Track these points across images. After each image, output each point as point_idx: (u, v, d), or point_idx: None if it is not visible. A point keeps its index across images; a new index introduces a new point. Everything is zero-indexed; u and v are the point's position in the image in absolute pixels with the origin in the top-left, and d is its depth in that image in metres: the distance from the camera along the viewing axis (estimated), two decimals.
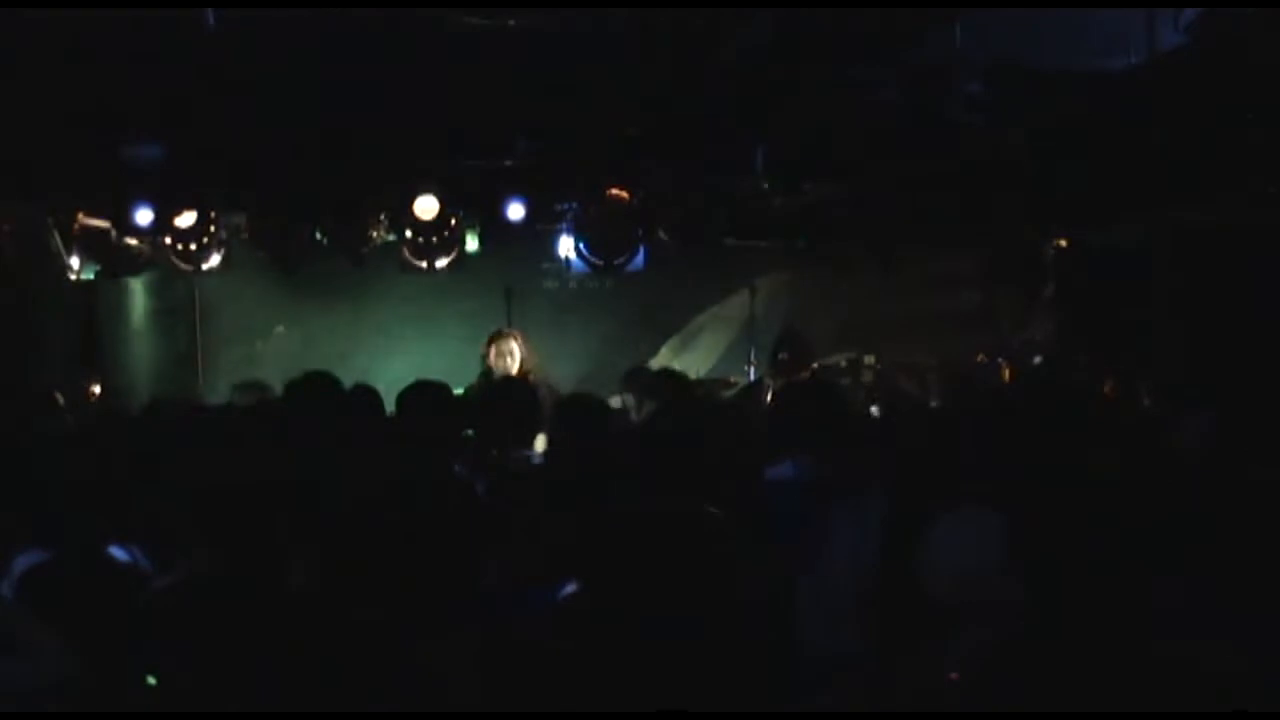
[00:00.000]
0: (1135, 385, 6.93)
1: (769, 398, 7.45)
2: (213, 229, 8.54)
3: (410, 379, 5.16)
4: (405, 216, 8.52)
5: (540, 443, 5.71)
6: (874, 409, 7.55)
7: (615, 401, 8.74)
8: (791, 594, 3.84)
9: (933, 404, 7.97)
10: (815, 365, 7.84)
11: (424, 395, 4.99)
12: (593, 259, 8.84)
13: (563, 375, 8.46)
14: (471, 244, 8.96)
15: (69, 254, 8.65)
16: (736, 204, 8.77)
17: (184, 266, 8.67)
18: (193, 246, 8.54)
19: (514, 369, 7.56)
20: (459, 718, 3.24)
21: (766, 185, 8.49)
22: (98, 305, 9.61)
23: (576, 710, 3.23)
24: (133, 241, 8.75)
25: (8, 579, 3.46)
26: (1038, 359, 8.73)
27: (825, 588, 3.97)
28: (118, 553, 3.59)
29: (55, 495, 3.66)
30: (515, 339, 7.70)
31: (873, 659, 3.94)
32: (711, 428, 4.70)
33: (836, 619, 3.98)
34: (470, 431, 5.06)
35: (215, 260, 8.70)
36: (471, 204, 8.69)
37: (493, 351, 7.59)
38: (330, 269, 9.25)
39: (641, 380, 8.06)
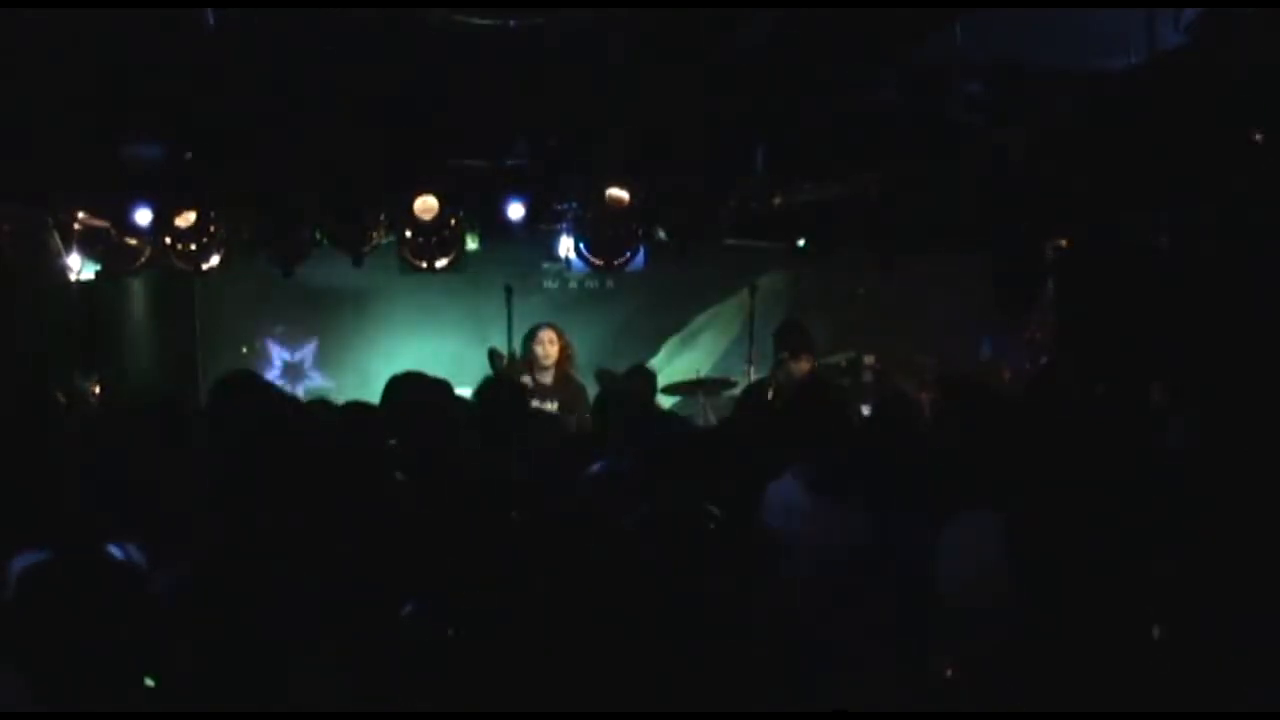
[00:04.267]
0: (1137, 386, 6.92)
1: (770, 397, 7.46)
2: (213, 229, 8.54)
3: None
4: (405, 216, 8.52)
5: None
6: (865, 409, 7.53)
7: None
8: (791, 594, 3.83)
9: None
10: (815, 364, 7.83)
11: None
12: (593, 259, 8.84)
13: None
14: (471, 244, 8.96)
15: (69, 254, 8.65)
16: (736, 204, 8.77)
17: (184, 266, 8.67)
18: (193, 246, 8.55)
19: (552, 359, 8.02)
20: (460, 717, 3.24)
21: (767, 185, 8.50)
22: (98, 305, 9.61)
23: (575, 711, 3.24)
24: (133, 241, 8.75)
25: (6, 579, 3.45)
26: (1043, 359, 8.73)
27: (826, 588, 3.97)
28: (116, 552, 3.59)
29: (56, 495, 3.66)
30: (554, 332, 8.18)
31: (873, 657, 3.94)
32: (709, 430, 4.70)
33: (835, 618, 3.98)
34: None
35: (215, 260, 8.70)
36: (471, 204, 8.69)
37: (535, 343, 8.10)
38: (330, 269, 9.26)
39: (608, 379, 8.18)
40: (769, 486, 4.19)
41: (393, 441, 4.64)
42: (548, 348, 8.09)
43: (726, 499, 3.90)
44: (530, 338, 8.18)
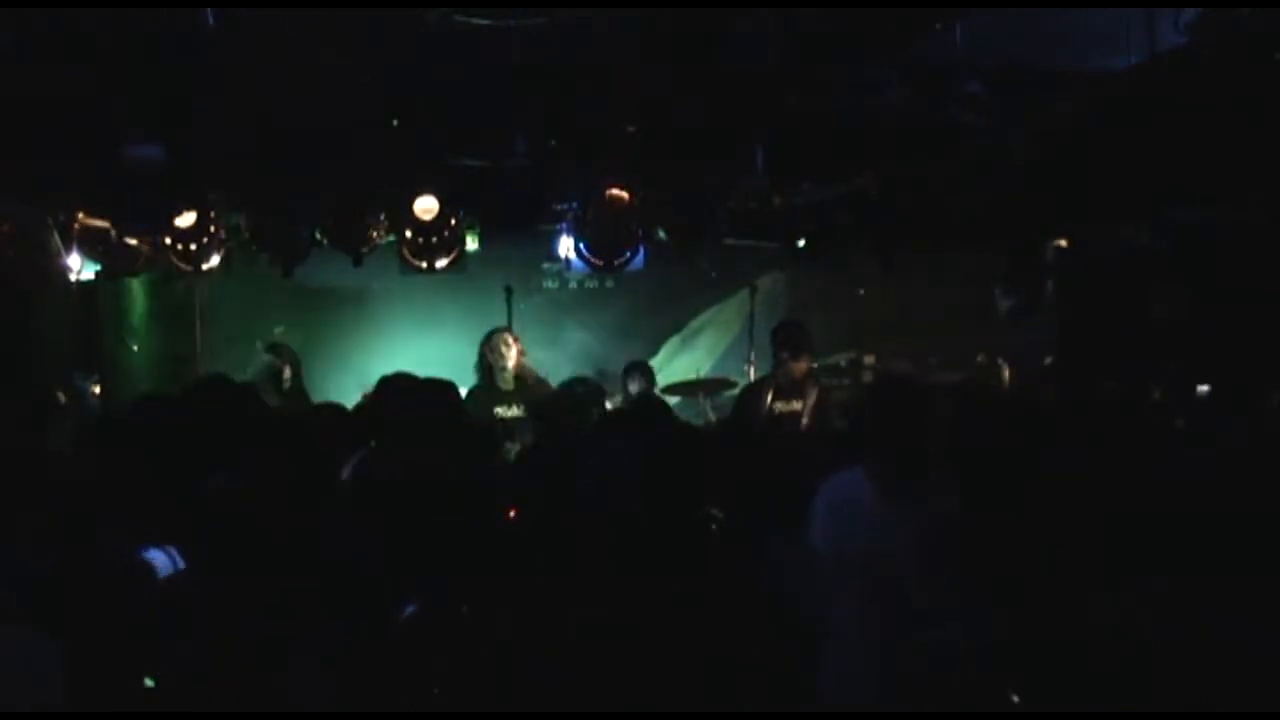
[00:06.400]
0: (1136, 386, 6.93)
1: (770, 396, 7.47)
2: (213, 229, 8.54)
3: None
4: (405, 216, 8.51)
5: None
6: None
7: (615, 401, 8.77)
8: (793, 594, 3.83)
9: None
10: (814, 364, 7.83)
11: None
12: (593, 259, 8.83)
13: (562, 375, 8.45)
14: (471, 244, 8.96)
15: (69, 254, 8.65)
16: (736, 204, 8.76)
17: (184, 266, 8.67)
18: (193, 246, 8.53)
19: (511, 363, 7.69)
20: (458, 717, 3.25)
21: (767, 185, 8.49)
22: (98, 305, 9.61)
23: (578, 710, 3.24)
24: (133, 241, 8.75)
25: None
26: (1047, 360, 8.74)
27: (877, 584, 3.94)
28: (156, 555, 3.58)
29: (58, 496, 3.65)
30: (510, 336, 7.87)
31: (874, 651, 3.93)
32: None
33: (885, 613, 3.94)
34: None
35: (215, 260, 8.69)
36: (471, 204, 8.69)
37: (490, 349, 7.76)
38: (330, 269, 9.26)
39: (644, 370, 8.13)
40: (829, 481, 4.14)
41: (372, 443, 4.62)
42: (504, 351, 7.73)
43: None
44: (486, 344, 7.83)
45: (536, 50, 6.32)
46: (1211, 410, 5.69)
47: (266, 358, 8.06)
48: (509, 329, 8.13)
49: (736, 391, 8.52)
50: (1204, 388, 6.95)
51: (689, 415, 8.78)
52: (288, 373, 8.14)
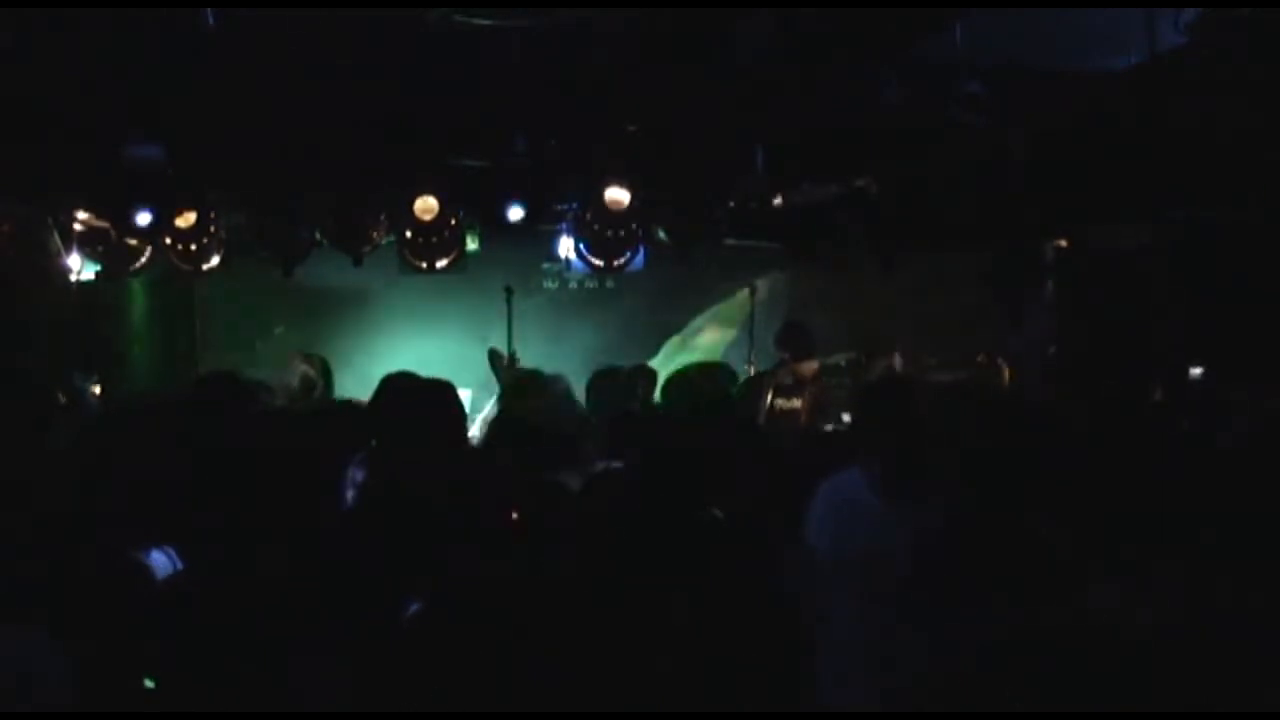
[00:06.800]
0: (1136, 385, 6.93)
1: (770, 395, 7.47)
2: (213, 229, 8.54)
3: None
4: (405, 216, 8.52)
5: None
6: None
7: None
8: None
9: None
10: (816, 364, 7.83)
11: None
12: (593, 259, 8.83)
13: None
14: (471, 244, 8.95)
15: (69, 254, 8.65)
16: (736, 204, 8.76)
17: (184, 266, 8.67)
18: (193, 247, 8.54)
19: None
20: (457, 717, 3.24)
21: (767, 185, 8.49)
22: (98, 305, 9.61)
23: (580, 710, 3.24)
24: (133, 241, 8.75)
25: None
26: (1050, 350, 8.75)
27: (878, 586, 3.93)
28: (156, 555, 3.58)
29: (58, 496, 3.65)
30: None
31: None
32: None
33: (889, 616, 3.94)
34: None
35: (215, 260, 8.70)
36: (471, 204, 8.69)
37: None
38: (330, 269, 9.26)
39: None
40: (828, 482, 4.13)
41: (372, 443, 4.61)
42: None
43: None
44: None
45: (536, 50, 6.32)
46: (1211, 410, 5.69)
47: (303, 369, 8.01)
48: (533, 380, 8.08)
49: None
50: (1197, 370, 6.95)
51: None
52: (320, 385, 8.10)
